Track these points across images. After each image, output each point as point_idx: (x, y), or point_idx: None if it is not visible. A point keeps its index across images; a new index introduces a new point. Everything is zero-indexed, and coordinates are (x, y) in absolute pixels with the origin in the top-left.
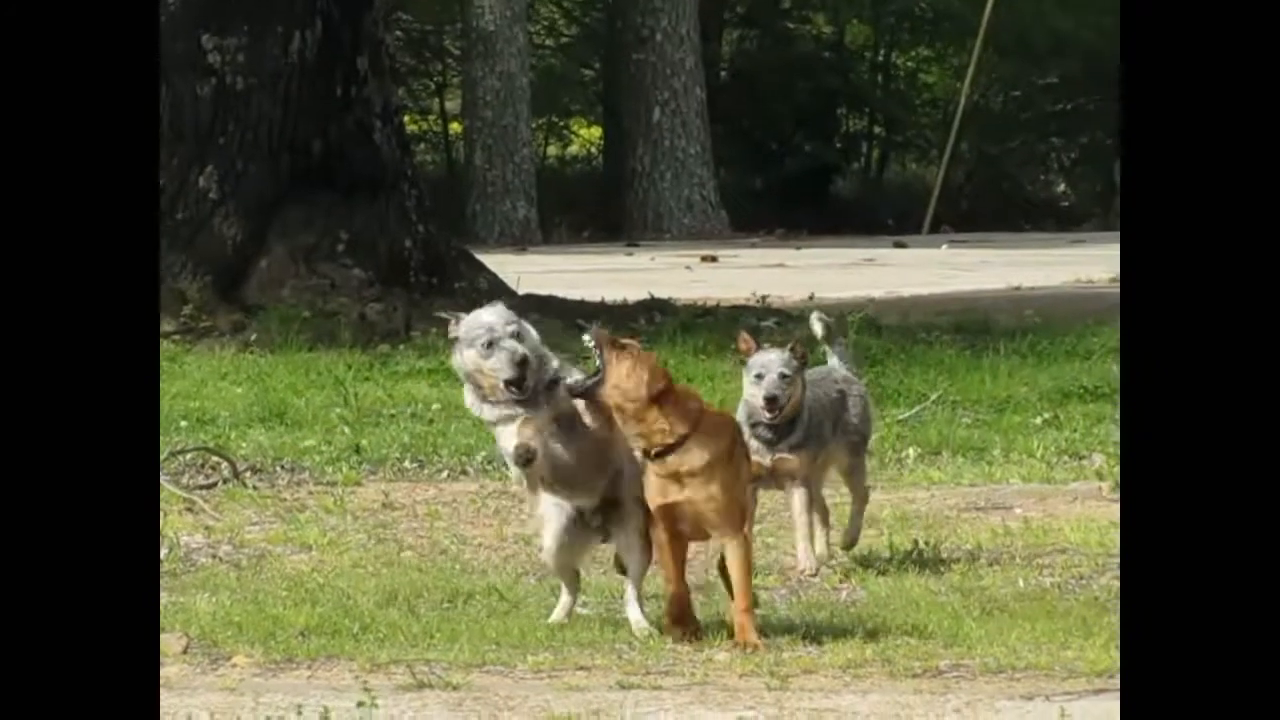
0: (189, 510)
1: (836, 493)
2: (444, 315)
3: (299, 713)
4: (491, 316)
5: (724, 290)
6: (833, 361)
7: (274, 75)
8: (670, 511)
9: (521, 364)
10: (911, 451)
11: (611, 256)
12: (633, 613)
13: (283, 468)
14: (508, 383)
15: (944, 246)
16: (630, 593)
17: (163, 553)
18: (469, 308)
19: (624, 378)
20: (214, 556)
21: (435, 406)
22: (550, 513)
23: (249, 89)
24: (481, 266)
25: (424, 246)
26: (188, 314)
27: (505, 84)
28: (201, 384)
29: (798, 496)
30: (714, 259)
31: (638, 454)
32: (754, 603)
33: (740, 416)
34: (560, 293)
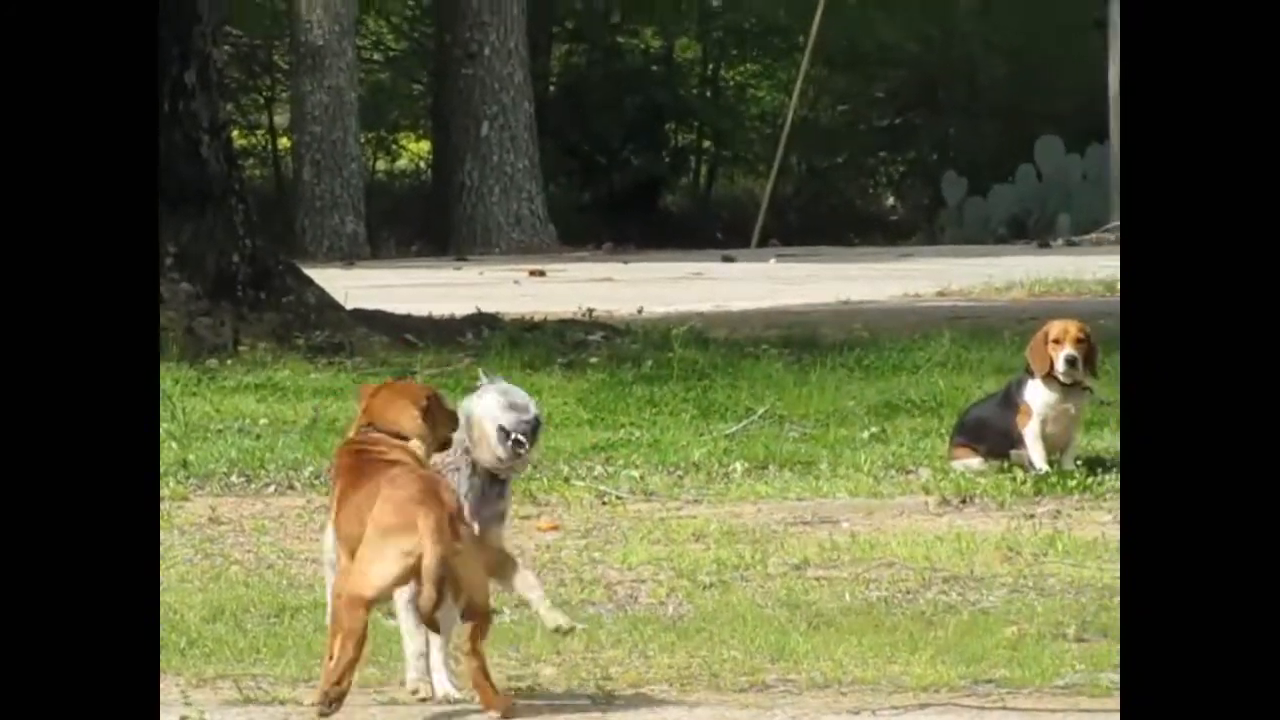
0: None
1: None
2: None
3: None
4: None
5: (552, 304)
6: None
7: None
8: None
9: None
10: (739, 465)
11: (440, 271)
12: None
13: None
14: None
15: (772, 260)
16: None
17: None
18: (297, 323)
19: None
20: None
21: (263, 421)
22: None
23: None
24: (309, 281)
25: (251, 261)
26: None
27: (334, 98)
28: None
29: None
30: (542, 273)
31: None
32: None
33: None
34: (388, 307)
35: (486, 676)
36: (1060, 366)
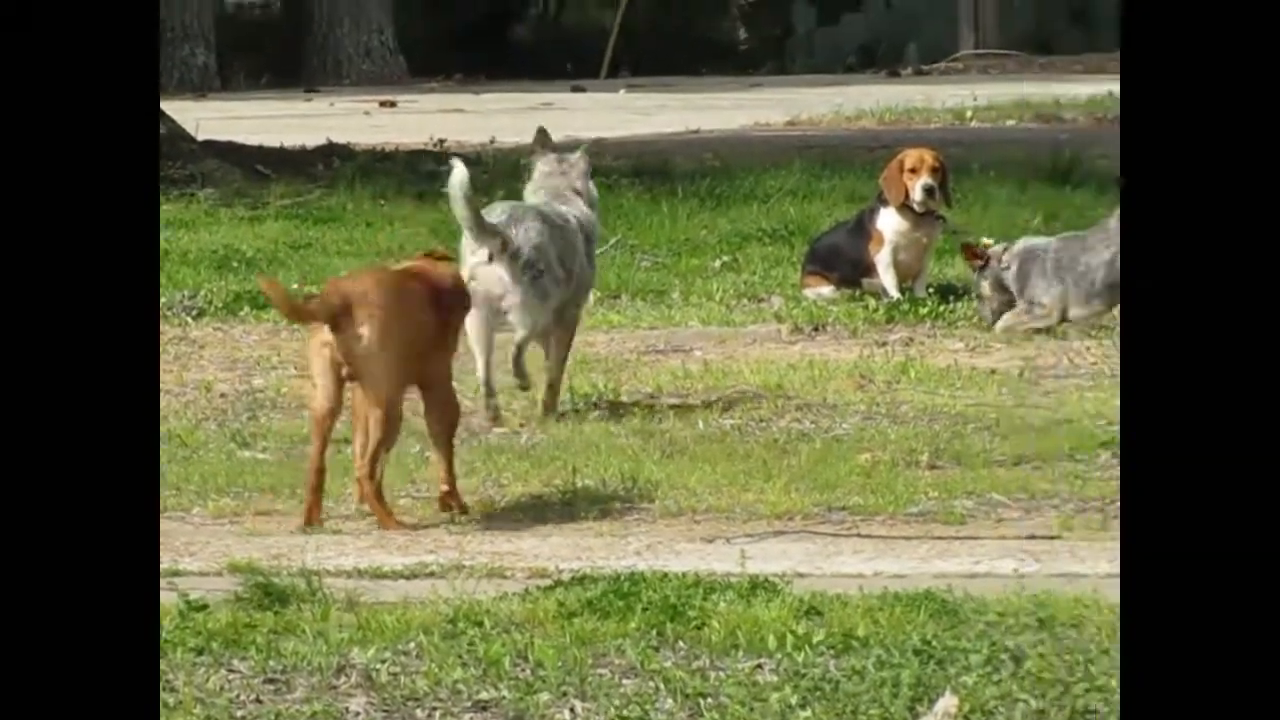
0: None
1: None
2: None
3: None
4: None
5: (403, 135)
6: None
7: None
8: None
9: None
10: (591, 295)
11: (291, 102)
12: None
13: None
14: None
15: (622, 90)
16: None
17: None
18: None
19: None
20: None
21: None
22: None
23: None
24: (161, 113)
25: None
26: None
27: None
28: None
29: None
30: (393, 104)
31: None
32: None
33: None
34: (240, 139)
35: (379, 496)
36: (917, 195)
